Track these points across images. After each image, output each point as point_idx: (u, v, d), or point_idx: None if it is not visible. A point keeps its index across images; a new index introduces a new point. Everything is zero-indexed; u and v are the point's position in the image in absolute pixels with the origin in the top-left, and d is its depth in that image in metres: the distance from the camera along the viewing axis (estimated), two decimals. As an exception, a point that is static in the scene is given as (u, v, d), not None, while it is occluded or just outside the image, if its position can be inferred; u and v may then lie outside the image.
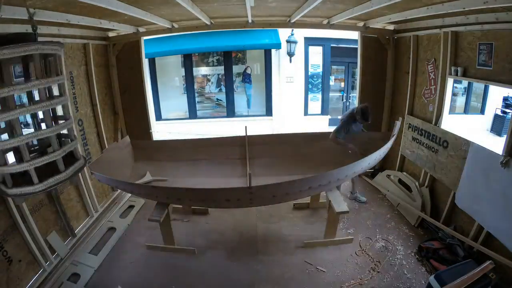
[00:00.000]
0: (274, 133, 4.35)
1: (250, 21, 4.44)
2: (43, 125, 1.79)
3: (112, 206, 4.39)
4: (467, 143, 3.11)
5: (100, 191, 4.23)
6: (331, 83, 8.35)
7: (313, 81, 7.92)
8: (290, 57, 7.44)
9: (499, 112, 7.04)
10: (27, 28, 2.51)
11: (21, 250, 2.76)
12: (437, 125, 3.68)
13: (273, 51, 7.53)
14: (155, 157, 4.20)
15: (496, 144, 3.08)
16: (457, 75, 3.35)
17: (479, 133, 6.69)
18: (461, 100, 7.32)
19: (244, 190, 2.98)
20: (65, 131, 1.86)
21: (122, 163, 3.90)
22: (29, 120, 1.88)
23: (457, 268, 2.57)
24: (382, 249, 3.36)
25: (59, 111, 2.03)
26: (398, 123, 3.68)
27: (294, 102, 7.83)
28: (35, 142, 1.97)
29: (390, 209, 4.19)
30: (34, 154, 1.78)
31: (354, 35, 5.08)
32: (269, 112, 7.96)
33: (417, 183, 4.06)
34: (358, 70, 4.95)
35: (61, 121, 1.89)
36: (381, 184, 4.68)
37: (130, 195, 4.70)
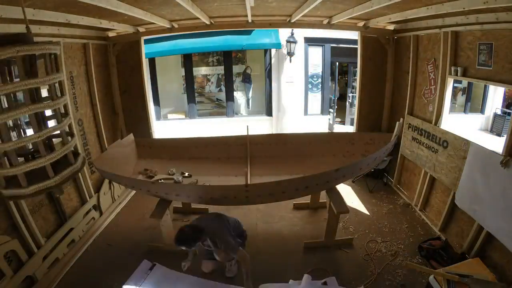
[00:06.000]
0: (274, 133, 4.33)
1: (250, 20, 4.44)
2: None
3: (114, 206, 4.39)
4: (467, 143, 3.11)
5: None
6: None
7: (313, 81, 7.91)
8: (290, 57, 7.43)
9: (499, 112, 7.03)
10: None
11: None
12: (437, 125, 3.68)
13: (273, 51, 7.51)
14: (157, 155, 4.24)
15: (496, 144, 3.09)
16: (457, 75, 3.35)
17: (479, 133, 6.70)
18: (460, 100, 7.33)
19: (240, 187, 3.01)
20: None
21: (125, 160, 3.94)
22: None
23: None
24: (382, 250, 3.36)
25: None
26: (399, 124, 3.69)
27: (294, 102, 7.82)
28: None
29: (389, 208, 4.19)
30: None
31: (354, 35, 5.08)
32: (269, 112, 7.94)
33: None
34: (358, 70, 4.95)
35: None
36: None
37: (130, 195, 4.72)
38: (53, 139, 1.85)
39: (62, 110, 1.78)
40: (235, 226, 2.98)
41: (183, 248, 2.52)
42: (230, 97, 7.79)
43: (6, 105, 1.58)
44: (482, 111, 7.23)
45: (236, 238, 2.80)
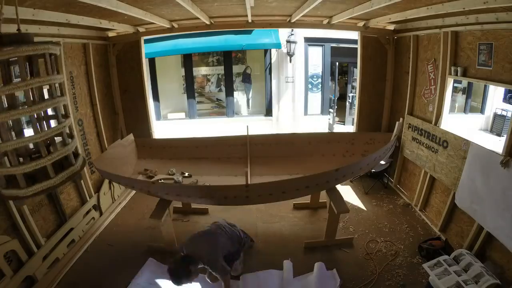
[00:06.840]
0: (274, 133, 4.33)
1: (250, 20, 4.44)
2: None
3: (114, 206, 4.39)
4: (467, 143, 3.11)
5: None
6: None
7: (313, 81, 7.92)
8: (290, 57, 7.43)
9: (499, 112, 7.03)
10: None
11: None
12: (437, 125, 3.68)
13: (273, 51, 7.52)
14: (157, 155, 4.25)
15: (496, 144, 3.09)
16: (457, 75, 3.35)
17: (479, 133, 6.70)
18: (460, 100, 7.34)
19: (240, 187, 3.02)
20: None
21: (125, 160, 3.96)
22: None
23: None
24: (382, 250, 3.36)
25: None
26: (399, 124, 3.69)
27: (294, 102, 7.83)
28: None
29: (389, 208, 4.19)
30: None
31: (354, 35, 5.08)
32: (269, 112, 7.95)
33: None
34: (358, 70, 4.95)
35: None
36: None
37: (130, 195, 4.72)
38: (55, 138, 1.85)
39: (62, 111, 1.78)
40: (233, 235, 2.83)
41: (187, 282, 2.34)
42: (230, 97, 7.79)
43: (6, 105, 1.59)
44: (482, 111, 7.24)
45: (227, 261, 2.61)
